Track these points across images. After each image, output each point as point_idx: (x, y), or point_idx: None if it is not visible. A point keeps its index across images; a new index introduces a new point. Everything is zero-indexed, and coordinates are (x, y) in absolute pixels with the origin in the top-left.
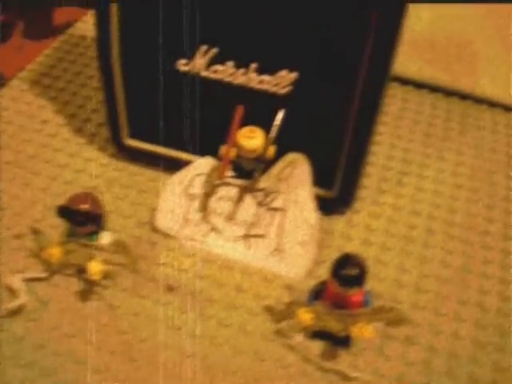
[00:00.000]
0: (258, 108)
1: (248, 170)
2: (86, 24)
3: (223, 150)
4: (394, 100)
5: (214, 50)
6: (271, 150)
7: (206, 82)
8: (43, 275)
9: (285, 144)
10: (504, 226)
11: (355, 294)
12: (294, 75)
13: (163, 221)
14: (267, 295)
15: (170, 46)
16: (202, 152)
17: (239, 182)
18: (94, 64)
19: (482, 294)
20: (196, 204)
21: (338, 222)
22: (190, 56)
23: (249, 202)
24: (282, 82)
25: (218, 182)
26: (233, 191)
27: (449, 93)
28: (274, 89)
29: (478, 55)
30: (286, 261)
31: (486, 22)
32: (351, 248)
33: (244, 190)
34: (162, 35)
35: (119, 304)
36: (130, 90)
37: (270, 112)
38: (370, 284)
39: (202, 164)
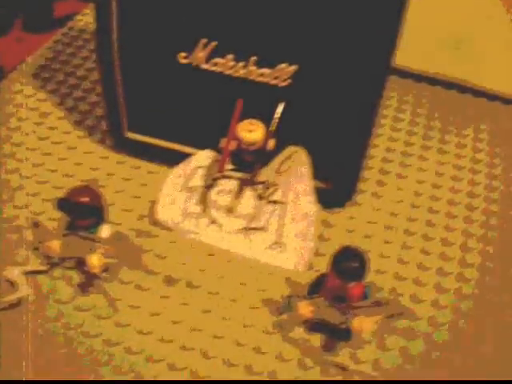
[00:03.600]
0: (258, 101)
1: (248, 162)
2: (86, 17)
3: (223, 142)
4: (394, 93)
5: (214, 43)
6: (271, 143)
7: (206, 74)
8: (43, 268)
9: (285, 137)
10: (504, 220)
11: (355, 287)
12: (293, 68)
13: (163, 213)
14: (267, 288)
15: (169, 39)
16: (202, 145)
17: (239, 174)
18: (94, 57)
19: (483, 286)
20: (196, 197)
21: (338, 215)
22: (190, 49)
23: (249, 194)
24: (281, 74)
25: (217, 174)
26: (233, 184)
27: (448, 86)
28: (274, 81)
29: (477, 48)
30: (285, 253)
31: (486, 14)
32: (351, 241)
33: (244, 183)
34: (162, 28)
35: (119, 297)
36: (129, 83)
37: (270, 105)
38: (370, 277)
39: (202, 157)
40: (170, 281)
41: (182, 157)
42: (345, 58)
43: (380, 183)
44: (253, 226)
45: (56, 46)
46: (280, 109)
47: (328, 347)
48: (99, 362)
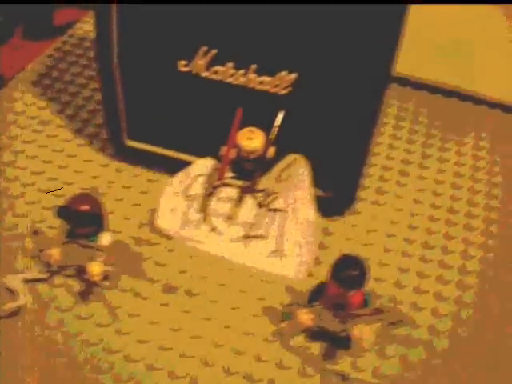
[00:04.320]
0: (258, 109)
1: (248, 170)
2: (86, 25)
3: (223, 150)
4: (394, 101)
5: (214, 51)
6: (271, 151)
7: (206, 82)
8: (43, 276)
9: (285, 145)
10: (504, 227)
11: (355, 295)
12: (293, 76)
13: (163, 221)
14: (267, 296)
15: (169, 47)
16: (202, 153)
17: (239, 182)
18: (94, 65)
19: (483, 294)
20: (196, 205)
21: (338, 223)
22: (190, 57)
23: (249, 202)
24: (282, 82)
25: (218, 182)
26: (233, 192)
27: (448, 94)
28: (274, 90)
29: (478, 56)
30: (285, 261)
31: (485, 22)
32: (351, 249)
33: (244, 191)
34: (162, 36)
35: (119, 305)
36: (129, 91)
37: (270, 113)
38: (370, 285)
39: (202, 165)
40: (169, 288)
41: (182, 165)
42: (345, 67)
43: (380, 191)
44: (253, 233)
45: (56, 53)
46: (280, 117)
47: (328, 355)
48: (99, 370)
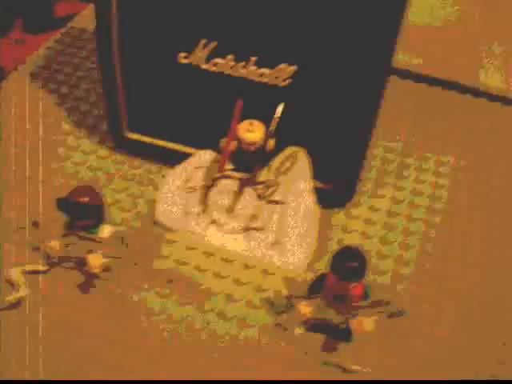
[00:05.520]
0: (258, 101)
1: (248, 162)
2: (87, 17)
3: (223, 142)
4: (394, 93)
5: (214, 43)
6: (271, 143)
7: (207, 74)
8: (43, 268)
9: (285, 137)
10: (504, 220)
11: (355, 287)
12: (293, 68)
13: (163, 213)
14: (267, 288)
15: (170, 39)
16: (202, 145)
17: (239, 174)
18: (94, 57)
19: (482, 286)
20: (196, 197)
21: (338, 215)
22: (190, 49)
23: (249, 194)
24: (281, 74)
25: (218, 174)
26: (233, 184)
27: (449, 86)
28: (274, 81)
29: (478, 49)
30: (285, 253)
31: (485, 15)
32: (351, 241)
33: (244, 183)
34: (162, 28)
35: (119, 297)
36: (129, 83)
37: (270, 105)
38: (370, 277)
39: (202, 157)
40: (169, 280)
41: (182, 157)
42: (345, 59)
43: (380, 183)
44: (253, 226)
45: (56, 46)
46: (280, 109)
47: (328, 347)
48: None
